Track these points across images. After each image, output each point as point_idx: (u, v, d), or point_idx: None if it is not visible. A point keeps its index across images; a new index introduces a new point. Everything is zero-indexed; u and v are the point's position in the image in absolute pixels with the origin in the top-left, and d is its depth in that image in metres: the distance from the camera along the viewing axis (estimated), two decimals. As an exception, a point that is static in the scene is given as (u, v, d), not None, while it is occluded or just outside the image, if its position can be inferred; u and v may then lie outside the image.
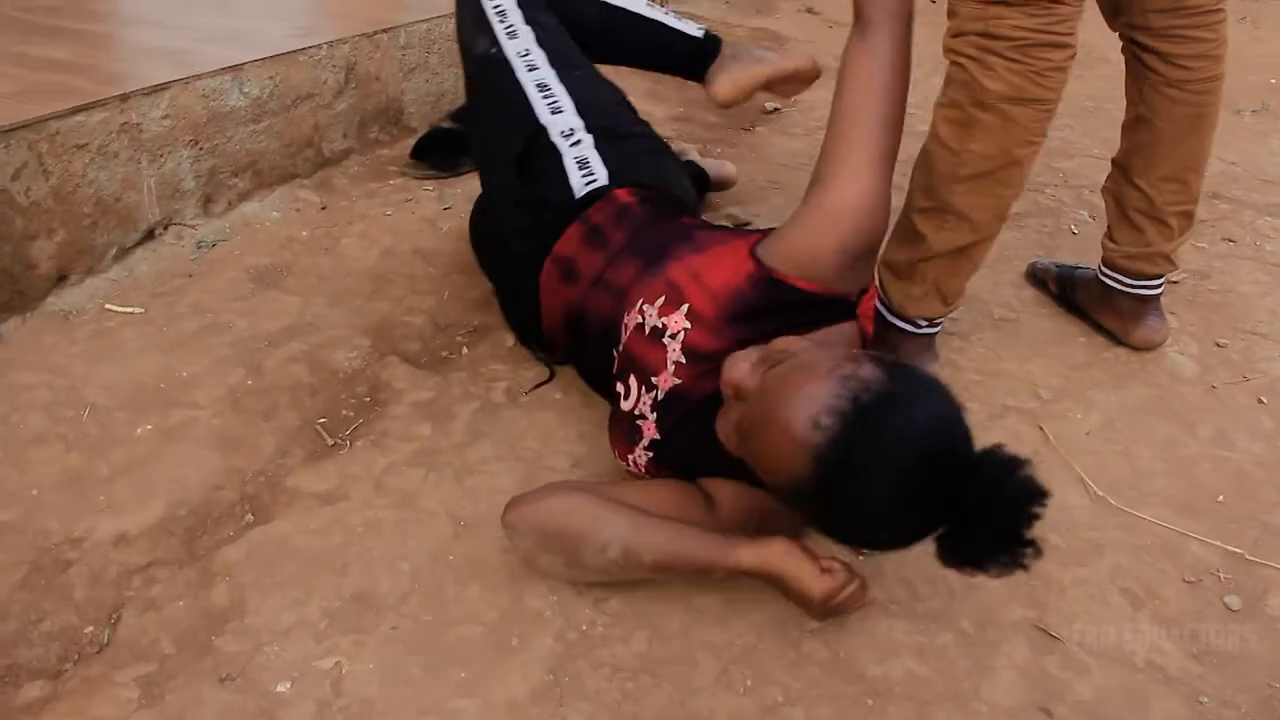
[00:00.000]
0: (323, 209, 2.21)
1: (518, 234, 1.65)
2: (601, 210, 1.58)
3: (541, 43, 1.73)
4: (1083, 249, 2.27)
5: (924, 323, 1.72)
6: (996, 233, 1.65)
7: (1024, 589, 1.37)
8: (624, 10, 1.89)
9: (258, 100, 2.14)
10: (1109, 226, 1.89)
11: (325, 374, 1.70)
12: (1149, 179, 1.79)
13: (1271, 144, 3.09)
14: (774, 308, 1.32)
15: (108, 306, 1.82)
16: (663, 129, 2.80)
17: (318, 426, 1.59)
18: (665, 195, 1.66)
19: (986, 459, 1.05)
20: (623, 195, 1.60)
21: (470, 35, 1.76)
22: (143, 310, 1.82)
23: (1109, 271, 1.89)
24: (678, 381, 1.34)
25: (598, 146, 1.66)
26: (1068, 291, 2.01)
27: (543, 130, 1.67)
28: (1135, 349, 1.88)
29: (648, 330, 1.37)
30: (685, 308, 1.34)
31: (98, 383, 1.63)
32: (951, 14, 1.56)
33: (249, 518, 1.42)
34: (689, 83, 3.17)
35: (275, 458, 1.53)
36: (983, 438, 1.63)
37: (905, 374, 1.13)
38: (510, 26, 1.74)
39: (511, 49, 1.72)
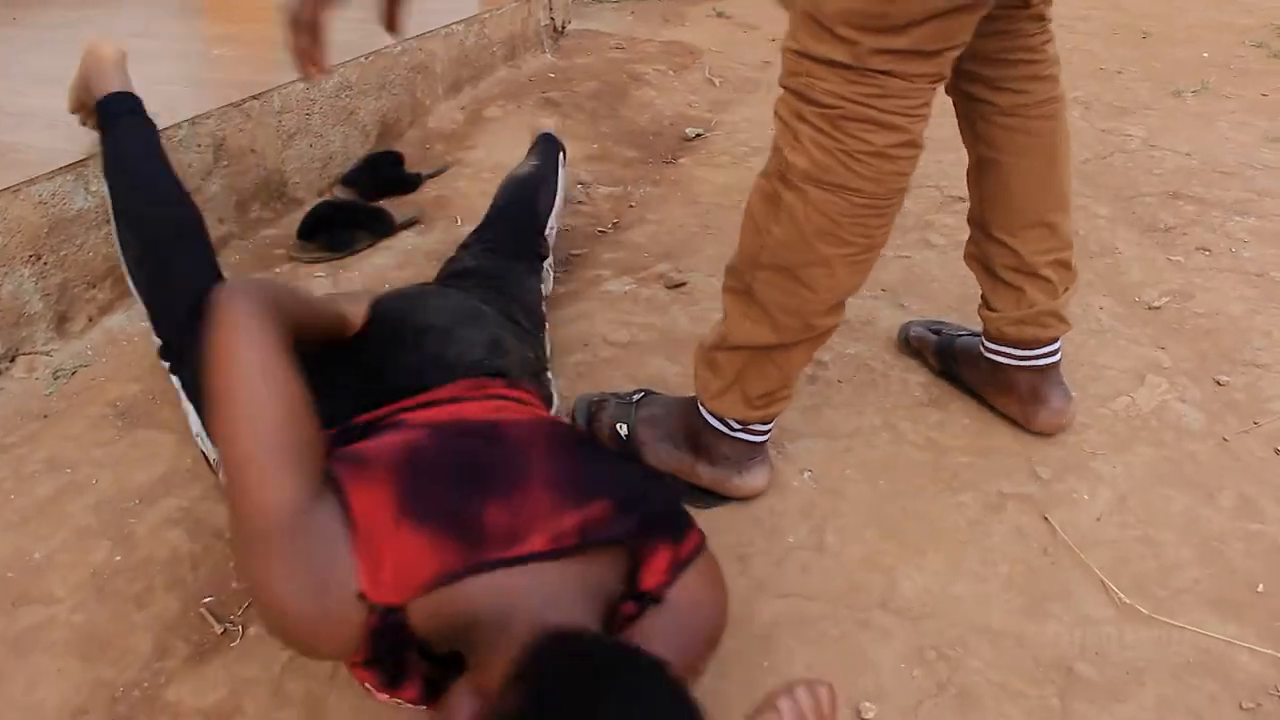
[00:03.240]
0: (200, 312, 1.93)
1: None
2: None
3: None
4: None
5: (736, 425, 1.42)
6: (806, 342, 1.34)
7: (1061, 742, 1.15)
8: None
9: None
10: (983, 294, 1.61)
11: (208, 537, 1.42)
12: (1009, 230, 1.52)
13: (1221, 128, 2.93)
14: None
15: (-57, 471, 1.53)
16: (575, 169, 2.56)
17: (203, 610, 1.32)
18: None
19: None
20: None
21: None
22: (-14, 472, 1.53)
23: (996, 346, 1.60)
24: None
25: None
26: (951, 367, 1.73)
27: None
28: (1041, 435, 1.62)
29: None
30: None
31: (-71, 578, 1.35)
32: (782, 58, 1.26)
33: (121, 751, 1.15)
34: (601, 117, 2.96)
35: (151, 661, 1.25)
36: (981, 539, 1.45)
37: None
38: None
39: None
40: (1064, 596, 1.34)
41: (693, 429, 1.47)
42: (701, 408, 1.45)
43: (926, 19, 1.10)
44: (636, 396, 1.59)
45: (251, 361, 0.93)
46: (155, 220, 1.65)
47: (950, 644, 1.26)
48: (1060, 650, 1.26)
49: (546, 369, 1.57)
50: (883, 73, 1.14)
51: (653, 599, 1.02)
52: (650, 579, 1.02)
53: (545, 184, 2.00)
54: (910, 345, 1.82)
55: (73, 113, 1.87)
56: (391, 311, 1.39)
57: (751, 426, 1.43)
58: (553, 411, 1.50)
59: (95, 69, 1.80)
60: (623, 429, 1.53)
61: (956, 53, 1.18)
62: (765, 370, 1.36)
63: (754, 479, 1.47)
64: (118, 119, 1.74)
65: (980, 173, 1.54)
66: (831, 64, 1.15)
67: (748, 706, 1.18)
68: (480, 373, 1.30)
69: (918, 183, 2.55)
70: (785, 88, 1.23)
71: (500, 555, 0.93)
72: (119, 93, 1.77)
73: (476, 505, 0.95)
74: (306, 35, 1.23)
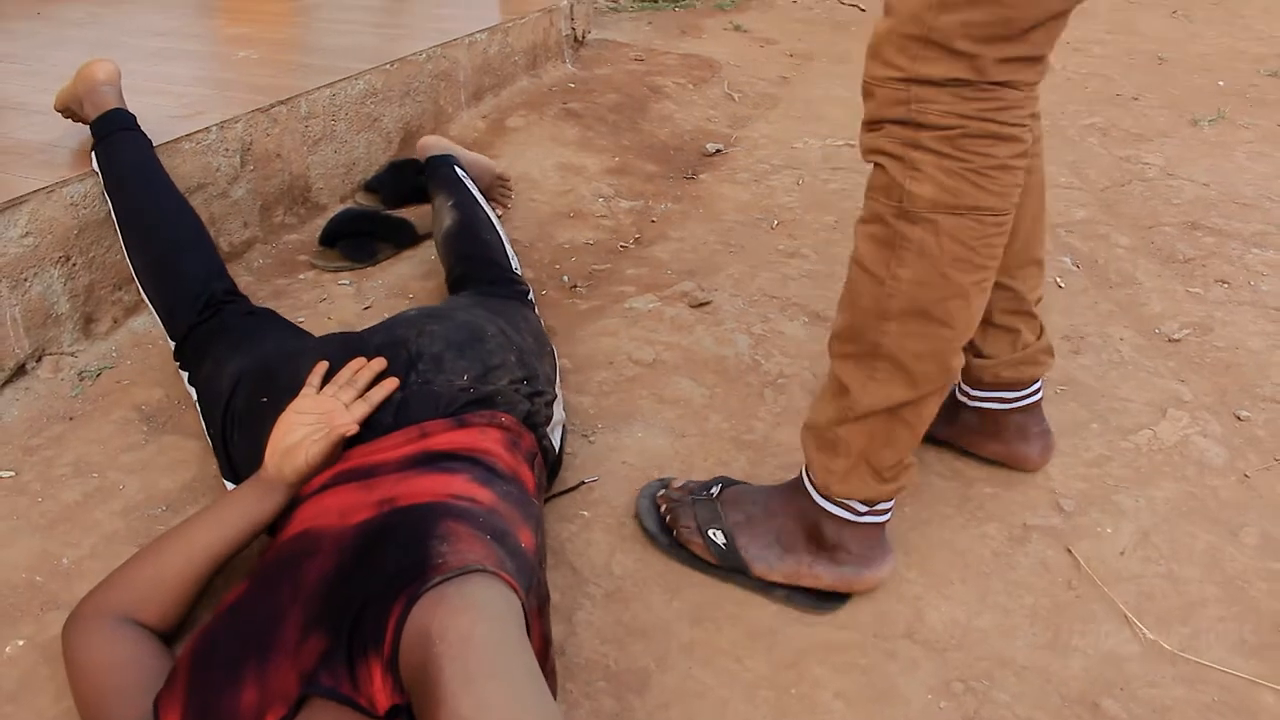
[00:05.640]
0: (225, 317, 1.93)
1: None
2: None
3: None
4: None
5: (863, 507, 1.32)
6: (942, 389, 1.25)
7: (1088, 779, 1.16)
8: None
9: (139, 201, 1.85)
10: (973, 343, 1.52)
11: (236, 546, 1.43)
12: (1010, 271, 1.47)
13: (1238, 159, 2.94)
14: None
15: (-31, 472, 1.53)
16: (597, 182, 2.57)
17: (230, 620, 1.32)
18: None
19: None
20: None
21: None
22: (13, 474, 1.53)
23: (985, 394, 1.56)
24: None
25: None
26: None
27: None
28: (1030, 473, 1.61)
29: None
30: None
31: (-43, 581, 1.35)
32: (866, 95, 1.18)
33: (151, 760, 1.15)
34: (622, 129, 2.97)
35: (180, 671, 1.26)
36: (1006, 571, 1.46)
37: None
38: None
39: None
40: (1089, 631, 1.34)
41: (806, 525, 1.35)
42: (820, 498, 1.32)
43: (1046, 20, 1.08)
44: (715, 489, 1.44)
45: (82, 674, 1.12)
46: (157, 227, 1.71)
47: (977, 676, 1.27)
48: (1086, 686, 1.27)
49: (554, 385, 1.57)
50: (1003, 84, 1.10)
51: (403, 710, 0.93)
52: (382, 700, 0.94)
53: (476, 224, 1.96)
54: None
55: (58, 110, 1.92)
56: (394, 338, 1.45)
57: (878, 506, 1.32)
58: (554, 431, 1.49)
59: (89, 90, 1.85)
60: (718, 536, 1.37)
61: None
62: (896, 434, 1.26)
63: (883, 568, 1.35)
64: (113, 135, 1.78)
65: None
66: (946, 83, 1.10)
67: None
68: (458, 406, 1.34)
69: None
70: (885, 120, 1.16)
71: None
72: (114, 110, 1.81)
73: (235, 689, 0.99)
74: None
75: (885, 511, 1.33)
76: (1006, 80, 1.10)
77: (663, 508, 1.44)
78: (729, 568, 1.38)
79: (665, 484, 1.50)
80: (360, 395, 1.34)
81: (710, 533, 1.38)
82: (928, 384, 1.23)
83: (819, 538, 1.34)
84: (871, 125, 1.18)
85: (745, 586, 1.38)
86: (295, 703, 0.95)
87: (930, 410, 1.27)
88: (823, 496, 1.32)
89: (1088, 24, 4.45)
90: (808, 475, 1.35)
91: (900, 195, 1.16)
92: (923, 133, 1.13)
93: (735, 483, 1.47)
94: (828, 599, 1.35)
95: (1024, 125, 1.15)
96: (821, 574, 1.34)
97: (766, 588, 1.37)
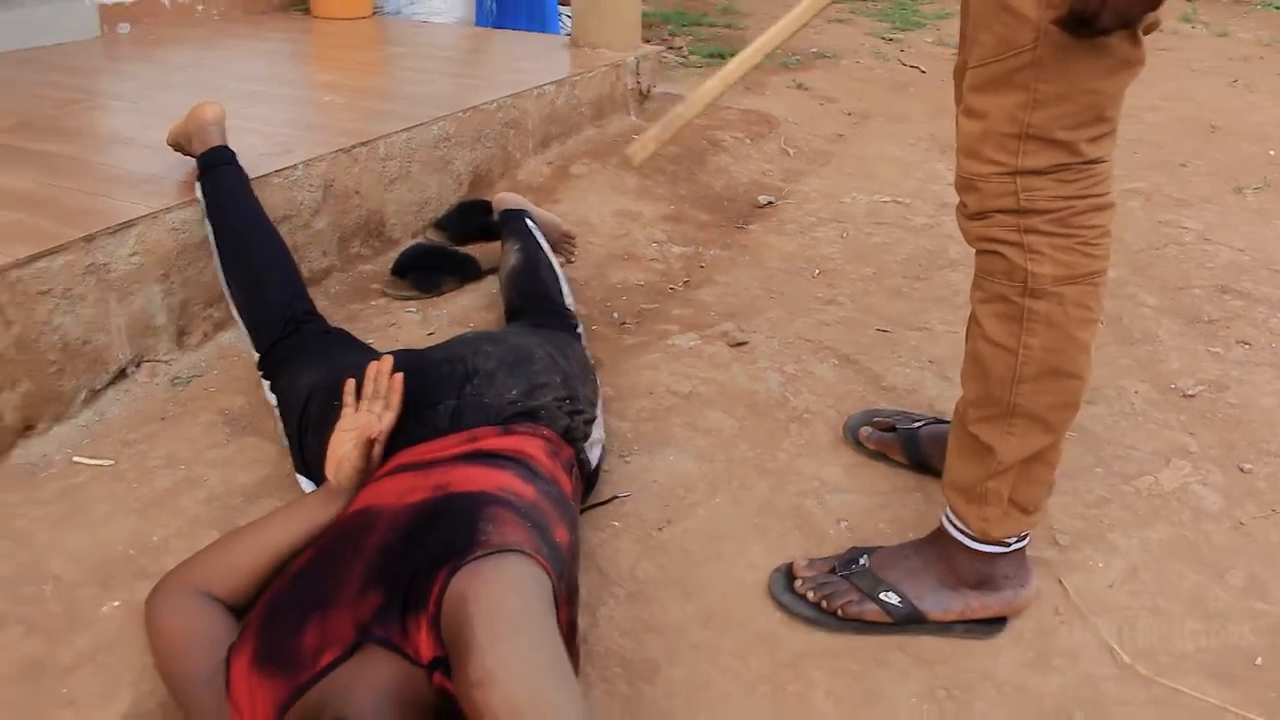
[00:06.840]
0: (302, 336, 2.13)
1: None
2: None
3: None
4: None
5: (1013, 539, 1.46)
6: (1070, 424, 1.41)
7: (1054, 783, 1.27)
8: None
9: (232, 228, 2.06)
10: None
11: (303, 536, 1.60)
12: None
13: (1278, 226, 3.02)
14: None
15: (76, 459, 1.73)
16: (652, 228, 2.73)
17: (294, 600, 1.49)
18: None
19: None
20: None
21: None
22: (113, 463, 1.72)
23: None
24: None
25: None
26: (920, 457, 1.79)
27: None
28: None
29: None
30: None
31: (63, 552, 1.53)
32: (967, 190, 1.32)
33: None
34: (680, 180, 3.14)
35: (248, 640, 1.43)
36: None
37: None
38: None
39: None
40: (1070, 654, 1.45)
41: (963, 566, 1.48)
42: (976, 543, 1.46)
43: (1119, 94, 1.23)
44: (862, 560, 1.53)
45: (161, 634, 1.30)
46: (250, 251, 1.92)
47: (960, 687, 1.39)
48: (1061, 702, 1.38)
49: (594, 406, 1.72)
50: (1096, 160, 1.26)
51: (442, 662, 1.09)
52: (425, 651, 1.10)
53: (538, 265, 2.14)
54: (861, 445, 1.86)
55: (169, 144, 2.15)
56: (453, 355, 1.64)
57: (1024, 533, 1.47)
58: (592, 448, 1.64)
59: (199, 127, 2.07)
60: (891, 597, 1.48)
61: None
62: (1038, 474, 1.41)
63: (1033, 582, 1.51)
64: (216, 168, 2.00)
65: None
66: (1050, 171, 1.24)
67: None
68: (506, 416, 1.52)
69: (969, 258, 2.68)
70: (994, 211, 1.29)
71: (310, 674, 1.13)
72: (218, 147, 2.04)
73: (298, 633, 1.16)
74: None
75: (1028, 535, 1.48)
76: (1098, 157, 1.25)
77: (810, 595, 1.50)
78: (906, 622, 1.48)
79: (788, 574, 1.55)
80: (386, 404, 1.51)
81: (883, 596, 1.48)
82: (1063, 426, 1.38)
83: (978, 574, 1.47)
84: (979, 216, 1.32)
85: (920, 632, 1.48)
86: (350, 647, 1.13)
87: (1061, 444, 1.41)
88: (980, 542, 1.45)
89: (1144, 91, 4.54)
90: (956, 526, 1.47)
91: (1024, 277, 1.30)
92: (1034, 218, 1.27)
93: (870, 550, 1.56)
94: (995, 623, 1.49)
95: (1111, 190, 1.29)
96: (989, 603, 1.48)
97: (944, 628, 1.48)
